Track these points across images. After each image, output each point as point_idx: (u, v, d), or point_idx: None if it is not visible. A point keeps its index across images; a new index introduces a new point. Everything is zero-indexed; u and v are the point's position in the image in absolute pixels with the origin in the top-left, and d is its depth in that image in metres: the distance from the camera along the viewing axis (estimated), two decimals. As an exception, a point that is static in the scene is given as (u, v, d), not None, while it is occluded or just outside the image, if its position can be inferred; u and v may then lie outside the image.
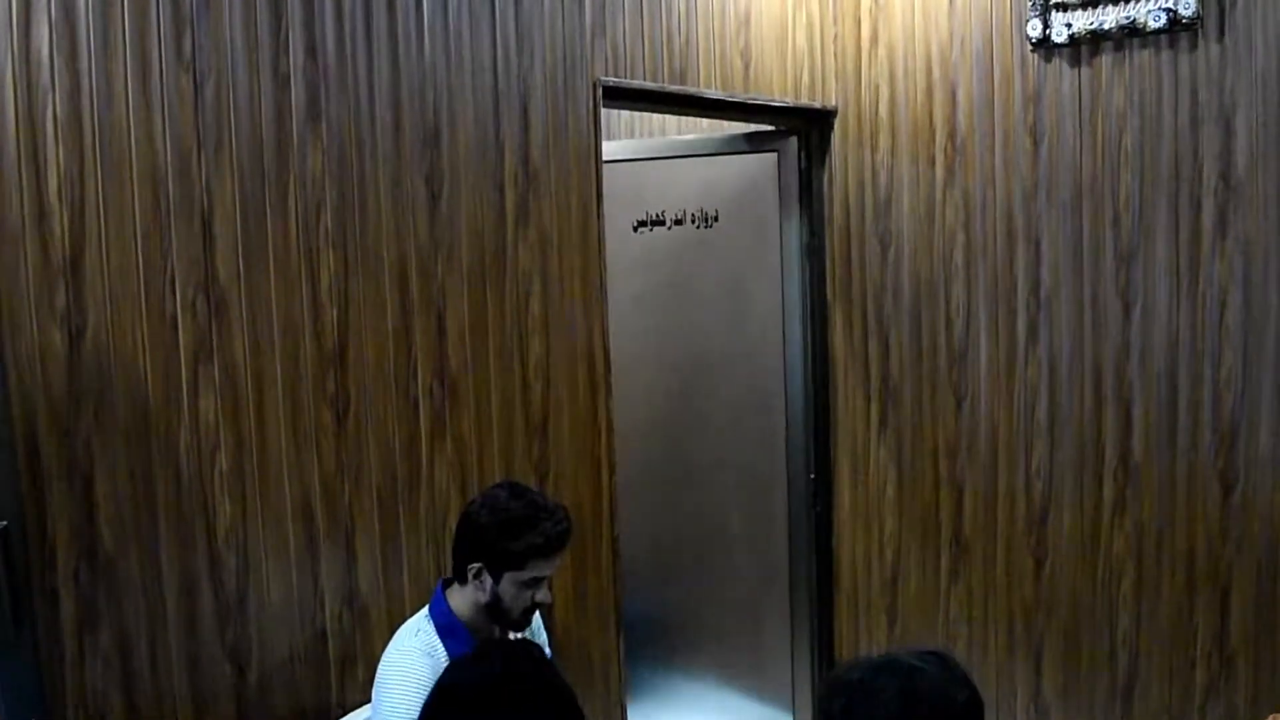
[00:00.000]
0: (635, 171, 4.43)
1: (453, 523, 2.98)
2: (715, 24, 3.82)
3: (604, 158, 3.45)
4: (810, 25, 4.14)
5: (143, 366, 2.42)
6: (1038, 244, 3.77)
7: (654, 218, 4.45)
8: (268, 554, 2.64)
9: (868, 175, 4.15)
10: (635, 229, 4.47)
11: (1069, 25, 3.64)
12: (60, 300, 2.29)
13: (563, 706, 1.91)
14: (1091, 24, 3.60)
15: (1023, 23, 3.74)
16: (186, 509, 2.49)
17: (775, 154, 4.28)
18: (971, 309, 3.95)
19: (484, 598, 2.50)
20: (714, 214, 4.38)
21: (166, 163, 2.45)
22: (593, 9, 3.38)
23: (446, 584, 2.57)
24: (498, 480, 3.10)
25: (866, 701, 1.65)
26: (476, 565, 2.49)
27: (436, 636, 2.49)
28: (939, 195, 3.99)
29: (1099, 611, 3.72)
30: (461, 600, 2.52)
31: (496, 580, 2.48)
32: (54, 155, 2.28)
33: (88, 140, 2.33)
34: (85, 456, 2.33)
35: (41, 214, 2.27)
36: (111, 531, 2.37)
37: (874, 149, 4.12)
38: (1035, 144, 3.76)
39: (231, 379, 2.57)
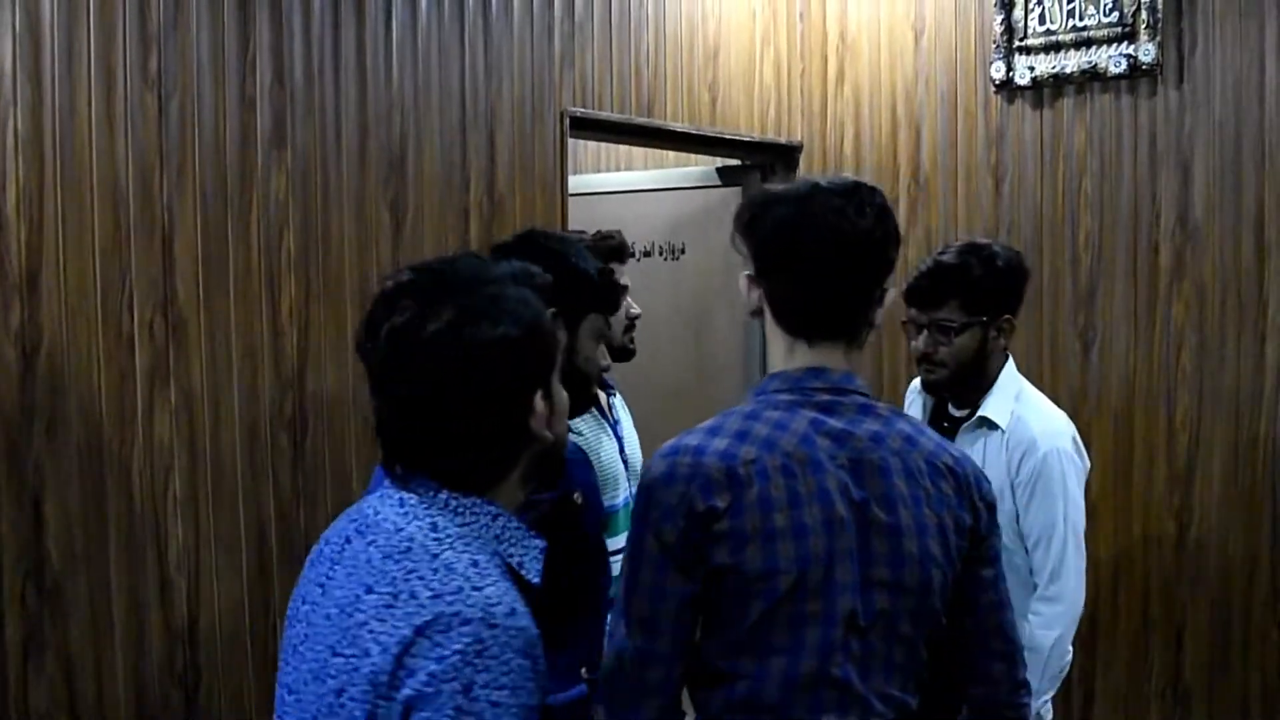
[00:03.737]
0: (607, 204, 4.44)
1: (409, 550, 2.96)
2: (683, 58, 3.85)
3: (576, 190, 3.45)
4: (777, 62, 4.18)
5: (97, 386, 2.39)
6: (999, 283, 3.80)
7: (624, 249, 4.47)
8: (220, 578, 2.60)
9: (832, 211, 4.17)
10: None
11: (1032, 68, 3.69)
12: (15, 317, 2.27)
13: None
14: (1054, 68, 3.65)
15: (987, 64, 3.79)
16: (138, 531, 2.46)
17: (740, 188, 4.30)
18: (933, 346, 3.97)
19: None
20: (681, 247, 4.40)
21: (128, 181, 2.43)
22: (561, 40, 3.40)
23: None
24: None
25: (764, 213, 1.57)
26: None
27: None
28: (902, 232, 4.01)
29: (1055, 649, 3.72)
30: None
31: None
32: (14, 170, 2.26)
33: (48, 156, 2.31)
34: (35, 475, 2.30)
35: (-2, 230, 2.25)
36: (60, 552, 2.33)
37: (839, 185, 4.14)
38: (997, 184, 3.80)
39: (188, 401, 2.54)
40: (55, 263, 2.32)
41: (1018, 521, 2.51)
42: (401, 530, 1.28)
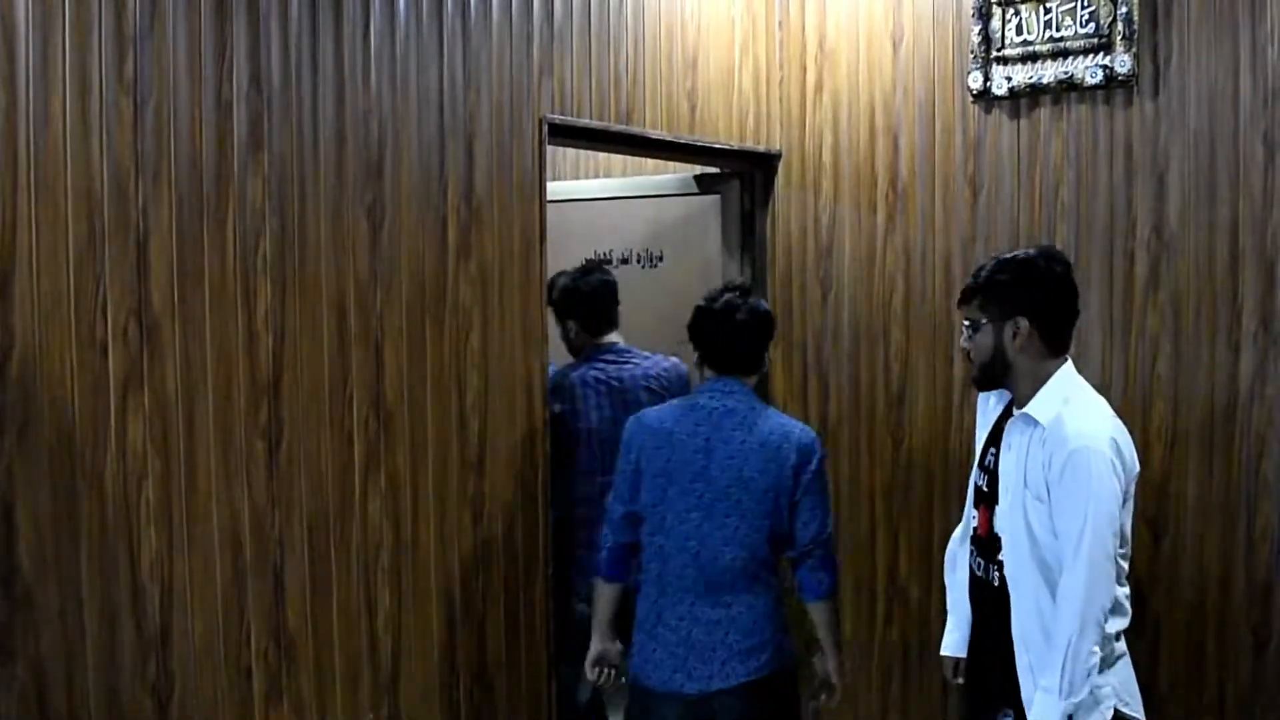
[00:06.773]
0: (585, 211, 4.44)
1: (384, 558, 2.96)
2: (662, 66, 3.85)
3: (555, 197, 3.44)
4: (756, 70, 4.19)
5: (70, 392, 2.37)
6: (975, 291, 3.81)
7: (602, 256, 4.46)
8: (193, 586, 2.58)
9: (810, 219, 4.19)
10: (584, 267, 4.48)
11: (1009, 79, 3.72)
12: (-14, 322, 2.24)
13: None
14: (1031, 78, 3.68)
15: (964, 74, 3.81)
16: (110, 539, 2.43)
17: (719, 196, 4.31)
18: (910, 354, 3.99)
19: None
20: (659, 254, 4.40)
21: (103, 186, 2.41)
22: (541, 46, 3.40)
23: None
24: (430, 513, 3.08)
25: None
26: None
27: None
28: (880, 241, 4.03)
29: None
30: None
31: None
32: (-15, 174, 2.24)
33: (22, 159, 2.28)
34: (6, 482, 2.27)
35: (-30, 234, 2.22)
36: (31, 560, 2.30)
37: (817, 194, 4.16)
38: (974, 193, 3.82)
39: (162, 407, 2.52)
40: (28, 267, 2.30)
41: (1052, 519, 2.54)
42: (755, 409, 2.96)
